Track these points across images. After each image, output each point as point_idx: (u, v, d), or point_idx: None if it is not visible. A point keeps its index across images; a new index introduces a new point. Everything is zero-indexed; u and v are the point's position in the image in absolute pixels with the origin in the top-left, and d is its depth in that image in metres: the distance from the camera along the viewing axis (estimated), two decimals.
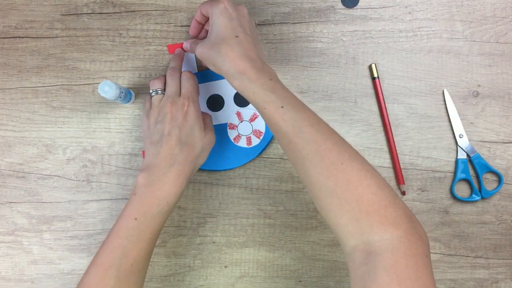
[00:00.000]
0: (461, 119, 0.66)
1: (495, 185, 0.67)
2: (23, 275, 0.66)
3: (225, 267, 0.67)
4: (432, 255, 0.66)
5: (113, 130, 0.67)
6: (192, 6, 0.67)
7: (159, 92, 0.61)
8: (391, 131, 0.66)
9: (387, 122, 0.66)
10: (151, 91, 0.61)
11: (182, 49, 0.66)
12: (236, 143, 0.66)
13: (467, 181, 0.67)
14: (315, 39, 0.67)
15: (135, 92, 0.66)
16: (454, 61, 0.67)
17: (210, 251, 0.67)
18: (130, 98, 0.65)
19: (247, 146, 0.66)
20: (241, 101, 0.66)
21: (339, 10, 0.67)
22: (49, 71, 0.67)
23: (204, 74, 0.66)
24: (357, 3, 0.67)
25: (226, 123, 0.67)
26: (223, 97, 0.67)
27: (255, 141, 0.66)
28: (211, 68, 0.57)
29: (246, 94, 0.54)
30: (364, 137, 0.67)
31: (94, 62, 0.67)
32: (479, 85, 0.67)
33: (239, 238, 0.67)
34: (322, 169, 0.49)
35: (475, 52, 0.67)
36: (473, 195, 0.66)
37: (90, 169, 0.67)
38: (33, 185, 0.67)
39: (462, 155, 0.66)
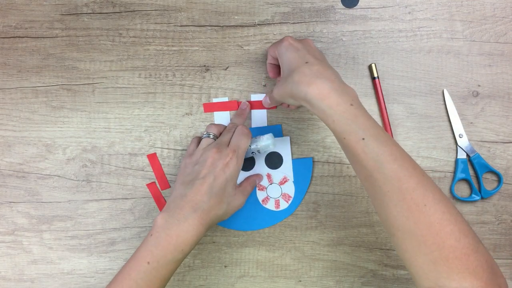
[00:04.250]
0: (461, 119, 0.66)
1: (494, 185, 0.67)
2: (23, 275, 0.67)
3: (225, 266, 0.67)
4: None
5: (113, 130, 0.67)
6: (192, 6, 0.67)
7: (211, 136, 0.60)
8: (391, 131, 0.66)
9: (387, 122, 0.66)
10: (204, 133, 0.62)
11: (262, 105, 0.66)
12: (264, 205, 0.66)
13: (467, 181, 0.67)
14: (315, 39, 0.67)
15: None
16: (454, 61, 0.67)
17: (210, 250, 0.67)
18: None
19: (275, 209, 0.66)
20: (272, 163, 0.66)
21: (339, 10, 0.67)
22: (49, 71, 0.67)
23: None
24: (357, 3, 0.67)
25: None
26: (255, 158, 0.66)
27: (283, 204, 0.66)
28: (291, 102, 0.57)
29: (325, 121, 0.52)
30: None
31: (94, 62, 0.67)
32: (479, 85, 0.67)
33: (239, 238, 0.67)
34: (403, 208, 0.47)
35: (475, 52, 0.67)
36: (473, 195, 0.66)
37: (90, 169, 0.67)
38: (33, 185, 0.67)
39: (461, 155, 0.66)
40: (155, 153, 0.66)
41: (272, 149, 0.62)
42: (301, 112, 0.67)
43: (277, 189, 0.66)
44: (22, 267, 0.67)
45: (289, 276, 0.67)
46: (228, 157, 0.56)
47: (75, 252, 0.67)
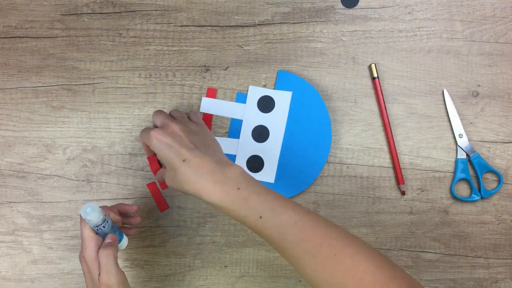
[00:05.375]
0: (461, 119, 0.67)
1: (494, 185, 0.67)
2: (23, 275, 0.67)
3: (225, 266, 0.67)
4: (431, 255, 0.67)
5: (113, 130, 0.67)
6: (192, 6, 0.67)
7: None
8: (391, 131, 0.66)
9: (387, 122, 0.66)
10: None
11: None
12: None
13: (467, 181, 0.67)
14: (315, 39, 0.67)
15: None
16: (454, 61, 0.67)
17: (210, 250, 0.67)
18: (121, 239, 0.58)
19: None
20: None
21: (339, 10, 0.67)
22: (49, 71, 0.67)
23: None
24: (357, 3, 0.67)
25: None
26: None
27: None
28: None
29: (223, 213, 0.54)
30: (364, 137, 0.67)
31: (94, 62, 0.67)
32: (478, 85, 0.67)
33: (239, 237, 0.67)
34: (317, 265, 0.49)
35: (475, 52, 0.67)
36: (473, 195, 0.66)
37: (90, 169, 0.67)
38: (33, 185, 0.67)
39: (461, 155, 0.66)
40: (155, 156, 0.66)
41: (97, 219, 0.53)
42: None
43: None
44: (22, 267, 0.67)
45: (289, 276, 0.67)
46: (82, 252, 0.55)
47: (76, 252, 0.67)
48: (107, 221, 0.54)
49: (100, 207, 0.54)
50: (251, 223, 0.51)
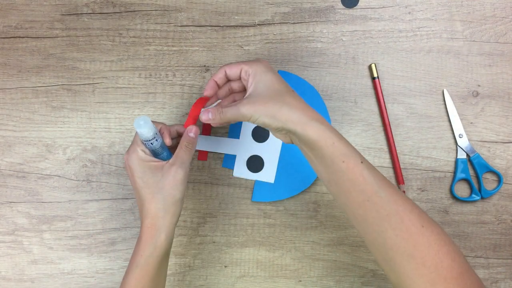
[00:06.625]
0: (461, 119, 0.67)
1: (494, 185, 0.67)
2: (23, 275, 0.67)
3: (225, 266, 0.67)
4: None
5: (113, 130, 0.67)
6: (192, 6, 0.67)
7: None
8: (391, 131, 0.66)
9: (387, 122, 0.66)
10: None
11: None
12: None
13: (467, 181, 0.67)
14: (315, 39, 0.67)
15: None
16: (454, 61, 0.67)
17: (210, 250, 0.67)
18: (165, 154, 0.56)
19: None
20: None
21: (339, 10, 0.67)
22: (49, 71, 0.67)
23: None
24: (357, 3, 0.67)
25: None
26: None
27: None
28: (268, 121, 0.51)
29: (323, 143, 0.50)
30: (364, 137, 0.67)
31: (94, 62, 0.67)
32: (478, 85, 0.67)
33: (239, 238, 0.67)
34: (402, 231, 0.47)
35: (475, 52, 0.67)
36: (473, 195, 0.66)
37: (90, 169, 0.67)
38: (33, 185, 0.67)
39: (461, 155, 0.66)
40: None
41: (147, 134, 0.53)
42: None
43: None
44: (22, 267, 0.67)
45: (289, 276, 0.67)
46: (127, 153, 0.54)
47: (75, 252, 0.67)
48: (157, 139, 0.54)
49: (155, 123, 0.54)
50: (350, 164, 0.49)
